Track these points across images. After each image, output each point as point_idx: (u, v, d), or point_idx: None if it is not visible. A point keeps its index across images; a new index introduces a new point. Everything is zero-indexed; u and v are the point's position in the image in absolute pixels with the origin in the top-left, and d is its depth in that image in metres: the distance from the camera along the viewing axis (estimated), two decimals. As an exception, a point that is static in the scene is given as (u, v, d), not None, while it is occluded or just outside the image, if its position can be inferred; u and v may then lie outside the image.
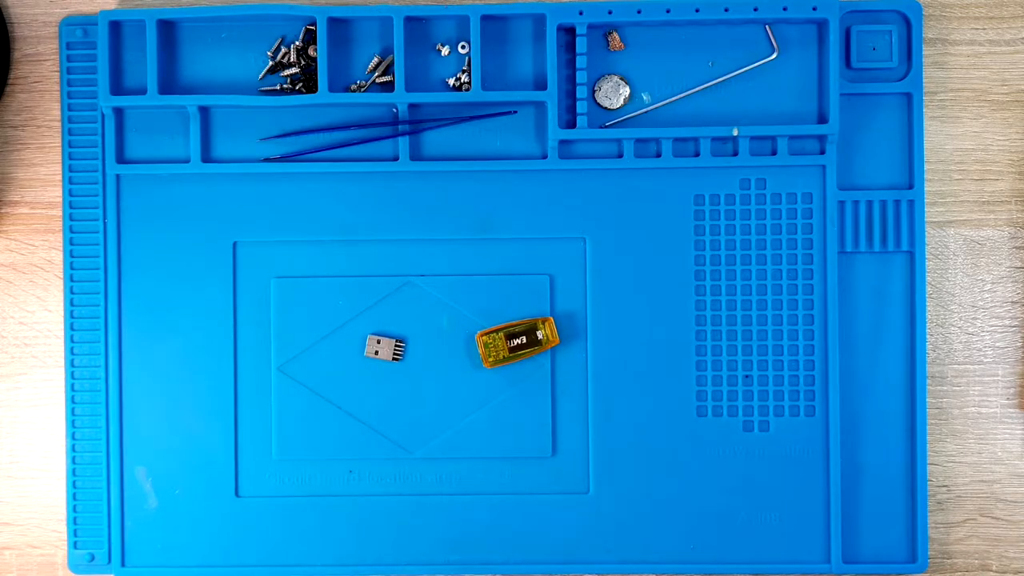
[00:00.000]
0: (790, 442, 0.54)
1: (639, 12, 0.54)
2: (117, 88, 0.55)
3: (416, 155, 0.55)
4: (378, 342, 0.53)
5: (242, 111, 0.55)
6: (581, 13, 0.53)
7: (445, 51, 0.55)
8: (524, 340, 0.53)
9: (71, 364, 0.55)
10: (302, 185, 0.55)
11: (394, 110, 0.55)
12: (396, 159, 0.55)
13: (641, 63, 0.55)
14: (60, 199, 0.56)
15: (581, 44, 0.54)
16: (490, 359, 0.53)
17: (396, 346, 0.53)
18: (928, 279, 0.55)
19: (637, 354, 0.54)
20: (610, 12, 0.53)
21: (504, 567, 0.54)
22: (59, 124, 0.56)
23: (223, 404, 0.54)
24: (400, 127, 0.55)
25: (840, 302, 0.54)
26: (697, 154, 0.54)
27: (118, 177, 0.55)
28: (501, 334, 0.53)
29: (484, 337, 0.53)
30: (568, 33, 0.55)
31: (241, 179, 0.55)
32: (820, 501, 0.54)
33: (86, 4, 0.56)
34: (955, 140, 0.56)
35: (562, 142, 0.54)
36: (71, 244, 0.55)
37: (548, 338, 0.53)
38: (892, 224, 0.54)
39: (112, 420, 0.54)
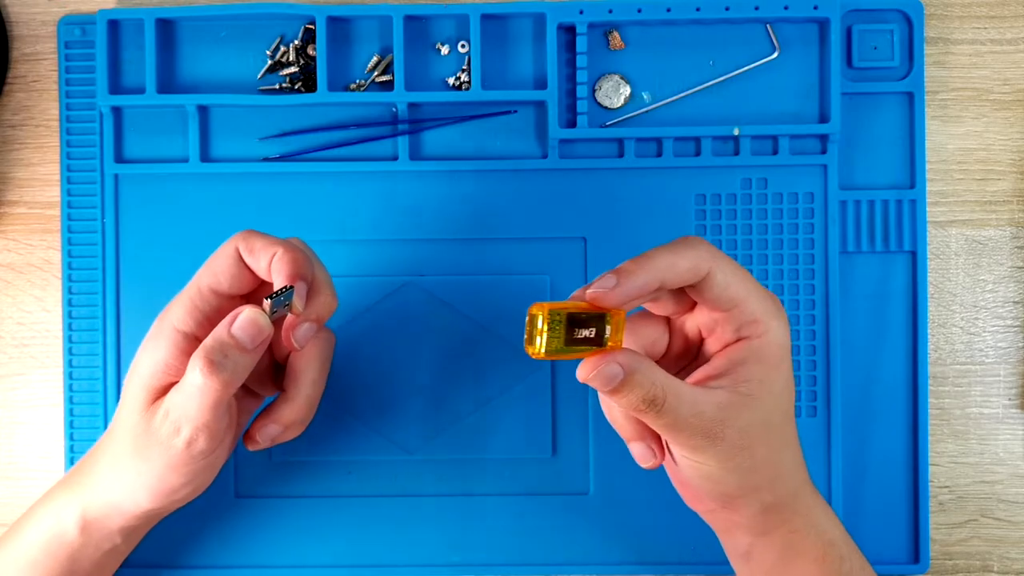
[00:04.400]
0: (791, 443, 0.54)
1: (639, 11, 0.54)
2: (116, 87, 0.55)
3: (416, 155, 0.55)
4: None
5: (241, 110, 0.55)
6: (581, 12, 0.53)
7: (445, 50, 0.55)
8: (592, 334, 0.38)
9: (69, 364, 0.55)
10: (301, 185, 0.55)
11: (393, 109, 0.54)
12: (396, 159, 0.54)
13: (641, 62, 0.55)
14: (58, 199, 0.55)
15: (581, 43, 0.54)
16: (540, 347, 0.38)
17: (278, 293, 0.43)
18: (929, 279, 0.55)
19: (638, 354, 0.54)
20: (610, 11, 0.53)
21: (504, 567, 0.54)
22: (57, 123, 0.56)
23: (222, 404, 0.54)
24: (399, 126, 0.54)
25: (841, 302, 0.54)
26: (698, 153, 0.54)
27: (116, 176, 0.55)
28: (563, 318, 0.38)
29: (543, 312, 0.37)
30: (568, 32, 0.55)
31: (240, 179, 0.55)
32: (821, 502, 0.54)
33: (84, 3, 0.56)
34: (957, 139, 0.55)
35: (562, 141, 0.54)
36: (69, 244, 0.55)
37: (613, 338, 0.39)
38: (894, 224, 0.54)
39: (111, 420, 0.54)
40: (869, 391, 0.54)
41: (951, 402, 0.55)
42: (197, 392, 0.42)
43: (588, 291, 0.39)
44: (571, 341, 0.38)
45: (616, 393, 0.39)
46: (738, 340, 0.41)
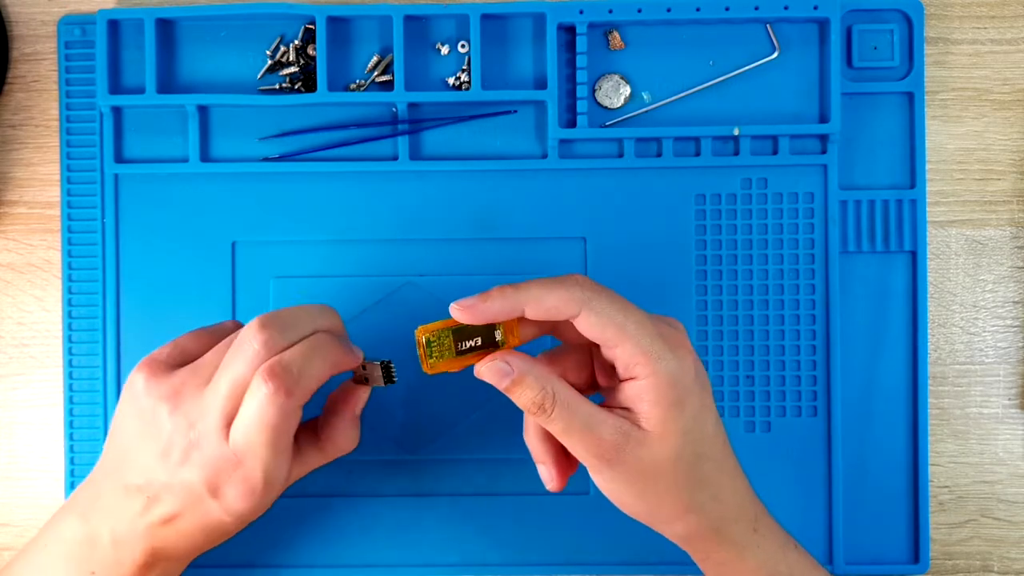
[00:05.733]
0: (792, 442, 0.54)
1: (639, 11, 0.54)
2: (116, 87, 0.55)
3: (416, 155, 0.55)
4: (364, 367, 0.46)
5: (241, 110, 0.55)
6: (581, 12, 0.53)
7: (445, 50, 0.55)
8: (478, 342, 0.42)
9: (69, 364, 0.55)
10: (301, 185, 0.54)
11: (393, 109, 0.54)
12: (395, 159, 0.54)
13: (641, 62, 0.55)
14: (58, 199, 0.55)
15: (581, 43, 0.54)
16: (430, 360, 0.41)
17: (384, 368, 0.46)
18: (929, 279, 0.55)
19: (638, 354, 0.54)
20: (611, 11, 0.53)
21: (504, 568, 0.54)
22: (57, 123, 0.56)
23: (222, 404, 0.54)
24: (399, 126, 0.54)
25: (841, 302, 0.54)
26: (698, 153, 0.54)
27: (116, 177, 0.55)
28: (448, 333, 0.41)
29: (426, 334, 0.41)
30: (568, 32, 0.55)
31: (240, 179, 0.55)
32: (822, 502, 0.54)
33: (84, 3, 0.56)
34: (957, 139, 0.55)
35: (562, 141, 0.54)
36: (69, 244, 0.55)
37: (506, 340, 0.42)
38: (894, 224, 0.54)
39: (111, 421, 0.54)
40: (869, 391, 0.54)
41: (951, 402, 0.55)
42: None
43: (451, 305, 0.41)
44: (461, 352, 0.41)
45: (510, 391, 0.41)
46: (632, 377, 0.41)
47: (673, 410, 0.41)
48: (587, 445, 0.41)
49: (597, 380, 0.45)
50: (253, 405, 0.41)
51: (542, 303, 0.41)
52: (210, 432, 0.42)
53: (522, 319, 0.42)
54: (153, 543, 0.44)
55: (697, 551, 0.45)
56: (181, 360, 0.45)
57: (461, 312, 0.41)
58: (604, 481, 0.42)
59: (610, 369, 0.43)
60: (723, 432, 0.44)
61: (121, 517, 0.44)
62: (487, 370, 0.41)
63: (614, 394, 0.42)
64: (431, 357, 0.41)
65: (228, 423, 0.42)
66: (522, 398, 0.41)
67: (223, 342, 0.44)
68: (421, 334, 0.41)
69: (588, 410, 0.41)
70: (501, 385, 0.41)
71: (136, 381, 0.44)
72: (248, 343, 0.41)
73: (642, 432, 0.41)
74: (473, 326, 0.41)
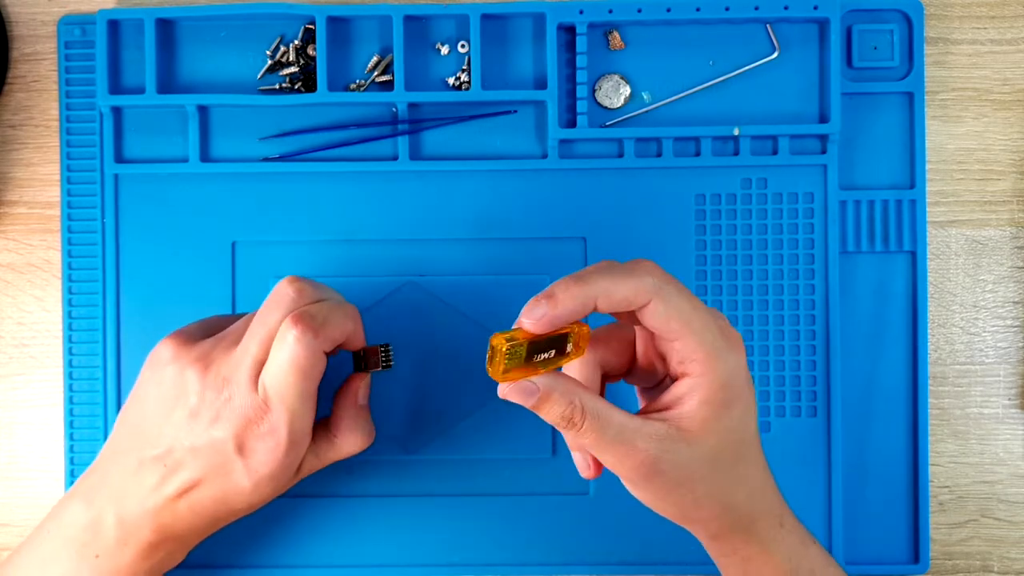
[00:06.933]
0: (792, 443, 0.54)
1: (639, 11, 0.54)
2: (116, 87, 0.55)
3: (416, 155, 0.55)
4: (362, 353, 0.48)
5: (241, 110, 0.55)
6: (581, 12, 0.53)
7: (445, 50, 0.55)
8: (552, 354, 0.40)
9: (69, 364, 0.55)
10: (301, 185, 0.55)
11: (393, 109, 0.54)
12: (395, 159, 0.54)
13: (642, 62, 0.55)
14: (58, 199, 0.55)
15: (581, 43, 0.54)
16: (502, 367, 0.39)
17: (383, 352, 0.48)
18: (929, 279, 0.55)
19: (638, 354, 0.54)
20: (611, 11, 0.53)
21: (504, 568, 0.54)
22: (57, 123, 0.56)
23: (222, 404, 0.54)
24: (399, 126, 0.54)
25: (841, 302, 0.54)
26: (698, 153, 0.54)
27: (116, 177, 0.55)
28: (524, 346, 0.39)
29: (504, 343, 0.38)
30: (568, 32, 0.55)
31: (240, 179, 0.55)
32: (822, 502, 0.54)
33: (84, 3, 0.56)
34: (957, 140, 0.55)
35: (562, 141, 0.54)
36: (69, 244, 0.55)
37: (575, 350, 0.41)
38: (894, 224, 0.54)
39: (111, 421, 0.54)
40: (869, 391, 0.54)
41: (951, 402, 0.55)
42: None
43: (521, 320, 0.39)
44: (531, 363, 0.39)
45: (538, 409, 0.39)
46: (685, 374, 0.40)
47: (721, 411, 0.40)
48: (621, 457, 0.40)
49: (635, 367, 0.44)
50: (282, 347, 0.42)
51: (613, 296, 0.39)
52: (241, 383, 0.43)
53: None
54: (162, 520, 0.44)
55: (724, 547, 0.44)
56: (207, 335, 0.46)
57: (535, 325, 0.38)
58: (639, 492, 0.42)
59: (656, 359, 0.42)
60: (758, 432, 0.43)
61: (130, 496, 0.44)
62: (512, 391, 0.39)
63: (655, 391, 0.42)
64: (507, 361, 0.39)
65: (258, 372, 0.43)
66: (550, 414, 0.39)
67: (247, 315, 0.45)
68: (499, 344, 0.38)
69: (621, 420, 0.39)
70: (528, 404, 0.39)
71: (162, 351, 0.45)
72: (283, 292, 0.44)
73: (681, 433, 0.39)
74: (549, 337, 0.39)
